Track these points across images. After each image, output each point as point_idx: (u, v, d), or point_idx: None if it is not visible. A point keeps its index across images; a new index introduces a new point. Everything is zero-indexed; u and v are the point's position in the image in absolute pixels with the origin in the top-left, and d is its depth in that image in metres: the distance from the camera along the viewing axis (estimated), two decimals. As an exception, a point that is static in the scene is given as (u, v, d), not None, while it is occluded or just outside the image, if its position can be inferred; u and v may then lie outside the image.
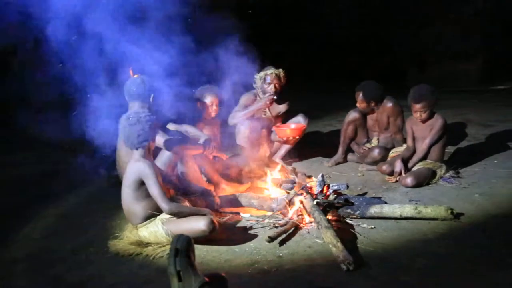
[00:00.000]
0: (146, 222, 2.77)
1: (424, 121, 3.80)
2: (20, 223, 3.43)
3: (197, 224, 2.66)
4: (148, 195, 2.74)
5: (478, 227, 2.83)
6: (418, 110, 3.74)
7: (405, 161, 3.81)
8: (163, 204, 2.67)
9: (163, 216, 2.78)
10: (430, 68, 10.04)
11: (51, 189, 4.16)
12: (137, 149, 2.77)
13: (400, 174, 3.75)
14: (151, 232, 2.74)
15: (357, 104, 4.35)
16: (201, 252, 2.68)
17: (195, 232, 2.63)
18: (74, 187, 4.19)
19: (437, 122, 3.76)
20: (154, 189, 2.68)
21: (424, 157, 3.82)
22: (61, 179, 4.40)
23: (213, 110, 4.07)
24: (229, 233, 2.95)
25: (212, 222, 2.67)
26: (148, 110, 3.49)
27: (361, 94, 4.26)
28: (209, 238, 2.72)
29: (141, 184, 2.72)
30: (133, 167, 2.74)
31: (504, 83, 9.32)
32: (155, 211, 2.77)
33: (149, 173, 2.69)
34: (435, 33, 10.14)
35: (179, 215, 2.74)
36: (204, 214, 2.76)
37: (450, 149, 4.56)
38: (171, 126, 3.69)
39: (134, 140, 2.74)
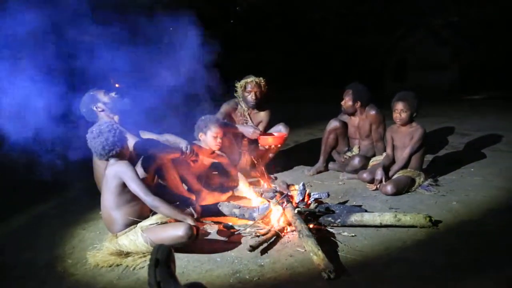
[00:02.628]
0: (126, 230, 2.73)
1: (403, 124, 3.86)
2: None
3: (175, 231, 2.64)
4: (129, 201, 2.73)
5: (455, 234, 2.88)
6: (398, 109, 3.81)
7: (385, 169, 3.87)
8: (146, 197, 2.66)
9: (143, 223, 2.75)
10: (407, 78, 10.28)
11: (23, 199, 4.04)
12: (107, 159, 2.77)
13: (380, 182, 3.80)
14: (131, 240, 2.70)
15: (343, 103, 4.39)
16: (182, 262, 2.65)
17: (174, 239, 2.61)
18: (49, 197, 4.09)
19: (417, 131, 3.83)
20: (134, 185, 2.66)
21: (405, 166, 3.88)
22: (34, 189, 4.30)
23: (217, 143, 3.84)
24: (210, 243, 2.93)
25: (190, 228, 2.64)
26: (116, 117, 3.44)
27: (350, 92, 4.32)
28: (189, 245, 2.69)
29: (124, 187, 2.70)
30: (111, 171, 2.72)
31: (478, 93, 9.59)
32: (136, 218, 2.74)
33: (127, 171, 2.68)
34: (411, 44, 10.39)
35: (161, 210, 2.70)
36: (185, 218, 2.73)
37: (429, 157, 4.65)
38: (152, 136, 3.65)
39: (102, 152, 2.73)
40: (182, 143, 3.58)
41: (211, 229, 3.19)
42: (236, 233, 3.02)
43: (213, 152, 3.89)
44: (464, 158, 4.70)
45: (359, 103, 4.33)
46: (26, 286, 2.53)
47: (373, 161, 4.22)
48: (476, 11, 9.74)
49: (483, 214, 3.20)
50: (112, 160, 2.78)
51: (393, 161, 3.96)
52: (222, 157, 3.94)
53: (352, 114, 4.44)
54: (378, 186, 3.83)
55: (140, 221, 2.75)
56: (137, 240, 2.68)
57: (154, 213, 2.82)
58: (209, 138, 3.82)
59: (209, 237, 3.08)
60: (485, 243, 2.73)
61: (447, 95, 9.44)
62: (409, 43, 10.45)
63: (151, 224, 2.74)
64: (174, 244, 2.60)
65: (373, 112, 4.32)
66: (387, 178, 3.83)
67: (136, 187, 2.66)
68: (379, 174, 3.82)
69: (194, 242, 2.73)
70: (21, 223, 3.59)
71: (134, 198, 2.74)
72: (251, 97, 4.43)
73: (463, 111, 7.75)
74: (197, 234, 2.72)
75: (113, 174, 2.70)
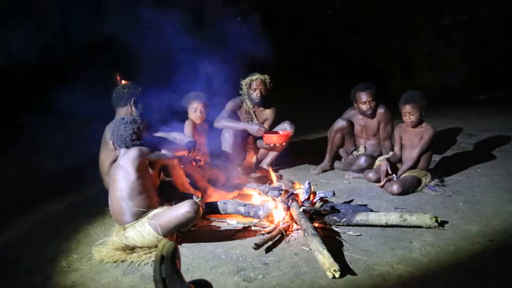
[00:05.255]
0: (134, 221, 2.74)
1: (414, 126, 3.83)
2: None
3: (181, 208, 2.70)
4: (141, 193, 2.75)
5: (461, 235, 2.86)
6: (407, 112, 3.78)
7: (391, 163, 3.84)
8: (168, 156, 3.09)
9: (150, 214, 2.76)
10: (414, 78, 10.22)
11: (33, 194, 4.06)
12: (127, 147, 2.83)
13: (387, 173, 3.77)
14: (138, 231, 2.69)
15: (366, 105, 4.26)
16: (187, 259, 2.65)
17: (181, 216, 2.67)
18: (57, 193, 4.10)
19: (427, 132, 3.80)
20: (154, 154, 2.93)
21: (413, 166, 3.85)
22: (44, 185, 4.32)
23: (198, 116, 4.09)
24: (215, 240, 2.93)
25: (195, 203, 2.72)
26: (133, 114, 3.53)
27: (372, 92, 4.24)
28: (195, 221, 2.81)
29: (144, 169, 2.79)
30: (127, 159, 2.77)
31: (485, 93, 9.53)
32: (145, 209, 2.76)
33: (142, 149, 2.82)
34: (419, 43, 10.33)
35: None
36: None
37: (435, 157, 4.62)
38: (160, 134, 3.66)
39: (128, 138, 2.82)
40: (190, 141, 3.61)
41: (217, 226, 3.19)
42: (248, 228, 3.03)
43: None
44: (471, 159, 4.67)
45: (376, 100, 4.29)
46: (31, 280, 2.54)
47: (379, 161, 4.19)
48: (485, 11, 9.65)
49: (489, 214, 3.18)
50: (122, 150, 2.85)
51: (400, 160, 3.93)
52: (202, 129, 4.19)
53: (374, 115, 4.36)
54: (384, 179, 3.79)
55: (148, 212, 2.76)
56: (144, 230, 2.68)
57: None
58: (191, 112, 4.10)
59: (214, 234, 3.07)
60: (492, 244, 2.71)
61: (455, 94, 9.38)
62: (417, 42, 10.38)
63: (158, 211, 2.77)
64: (182, 223, 2.69)
65: (381, 111, 4.30)
66: (392, 169, 3.79)
67: (155, 155, 2.92)
68: (384, 165, 3.79)
69: (200, 218, 2.88)
70: (28, 218, 3.59)
71: (145, 190, 2.78)
72: (256, 95, 4.42)
73: (470, 111, 7.69)
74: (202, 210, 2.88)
75: (135, 156, 2.76)
